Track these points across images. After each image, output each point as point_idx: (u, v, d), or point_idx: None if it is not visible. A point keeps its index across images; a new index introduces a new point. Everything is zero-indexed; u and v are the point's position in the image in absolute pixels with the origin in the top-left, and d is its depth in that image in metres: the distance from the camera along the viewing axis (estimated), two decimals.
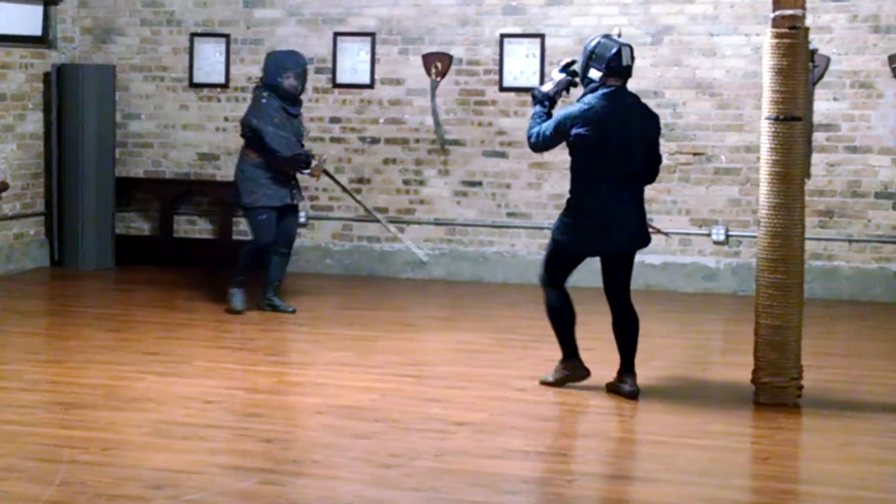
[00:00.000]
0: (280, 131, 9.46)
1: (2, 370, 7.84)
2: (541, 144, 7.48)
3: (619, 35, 7.58)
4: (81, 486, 5.63)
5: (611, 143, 7.25)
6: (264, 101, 9.53)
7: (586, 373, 7.53)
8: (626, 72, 7.37)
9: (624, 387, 7.36)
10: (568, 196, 7.52)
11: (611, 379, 7.53)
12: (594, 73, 7.34)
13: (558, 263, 7.55)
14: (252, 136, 9.52)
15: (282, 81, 9.52)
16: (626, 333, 7.46)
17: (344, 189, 9.85)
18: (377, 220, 10.07)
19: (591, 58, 7.35)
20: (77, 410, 6.92)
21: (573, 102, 7.48)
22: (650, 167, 7.49)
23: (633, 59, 7.40)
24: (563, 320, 7.53)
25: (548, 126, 7.40)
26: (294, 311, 9.71)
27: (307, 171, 9.66)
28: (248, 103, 9.83)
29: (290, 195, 9.67)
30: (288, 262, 9.96)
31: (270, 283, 9.83)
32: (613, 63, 7.29)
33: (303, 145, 9.74)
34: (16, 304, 10.14)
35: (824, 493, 5.80)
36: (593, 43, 7.38)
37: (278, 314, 9.67)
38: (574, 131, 7.26)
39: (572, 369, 7.53)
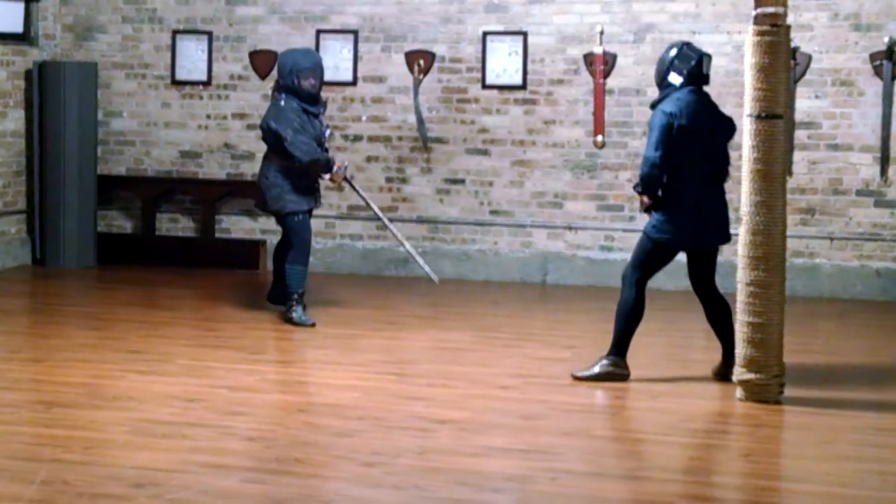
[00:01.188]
0: (300, 135, 9.14)
1: None
2: (659, 158, 7.52)
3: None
4: (63, 485, 5.62)
5: (702, 135, 7.57)
6: (283, 103, 9.21)
7: (628, 373, 7.70)
8: (705, 80, 7.74)
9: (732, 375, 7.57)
10: (661, 195, 7.66)
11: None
12: (675, 78, 7.65)
13: (652, 262, 7.74)
14: (273, 140, 9.23)
15: (300, 82, 9.22)
16: (722, 321, 7.76)
17: (364, 200, 9.75)
18: (398, 240, 9.92)
19: (672, 65, 7.67)
20: (59, 409, 6.91)
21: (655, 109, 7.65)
22: (725, 166, 7.82)
23: (709, 66, 7.77)
24: (633, 320, 7.72)
25: (655, 139, 7.52)
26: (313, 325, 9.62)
27: (327, 176, 9.38)
28: (267, 106, 9.49)
29: (315, 200, 9.49)
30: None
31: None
32: (694, 71, 7.65)
33: (325, 148, 9.48)
34: None
35: (805, 490, 5.82)
36: (673, 52, 7.71)
37: (268, 315, 9.67)
38: (677, 124, 7.51)
39: (618, 367, 7.69)
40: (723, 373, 7.70)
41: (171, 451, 6.16)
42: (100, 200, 11.99)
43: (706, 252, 7.82)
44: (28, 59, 11.82)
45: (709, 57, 7.76)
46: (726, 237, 7.81)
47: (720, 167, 7.75)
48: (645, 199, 7.68)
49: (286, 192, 9.27)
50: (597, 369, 7.69)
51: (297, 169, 9.23)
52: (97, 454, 6.09)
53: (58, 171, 11.64)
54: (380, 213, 9.82)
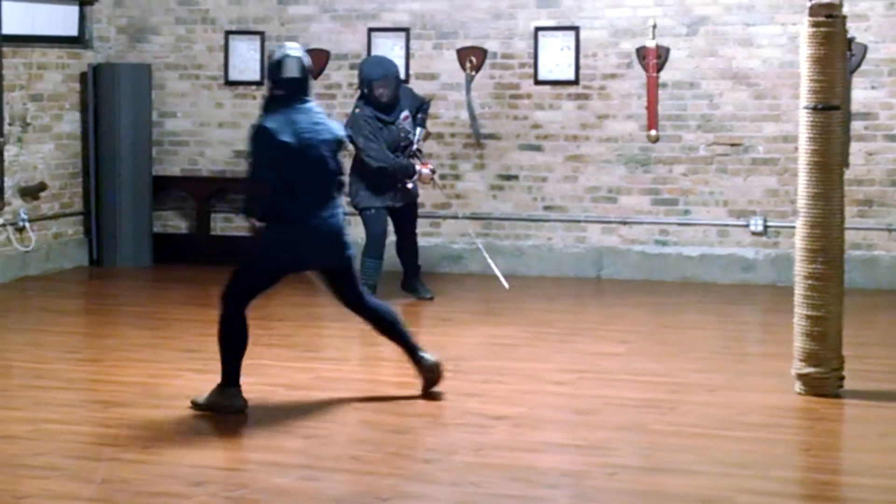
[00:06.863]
0: (371, 143, 9.66)
1: (41, 369, 7.89)
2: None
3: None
4: (122, 484, 5.66)
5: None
6: (357, 111, 9.78)
7: (242, 405, 6.85)
8: (290, 84, 6.83)
9: (428, 359, 7.18)
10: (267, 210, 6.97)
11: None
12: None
13: (257, 283, 7.04)
14: (352, 143, 9.68)
15: (371, 92, 9.72)
16: (395, 330, 7.27)
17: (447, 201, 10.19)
18: (473, 242, 10.05)
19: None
20: (116, 408, 6.96)
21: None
22: None
23: (303, 69, 6.84)
24: (239, 345, 6.93)
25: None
26: (432, 298, 10.06)
27: (410, 181, 9.83)
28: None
29: (393, 198, 9.89)
30: (416, 251, 10.20)
31: (407, 272, 10.19)
32: (275, 76, 6.83)
33: (414, 152, 9.89)
34: (54, 304, 10.20)
35: (865, 483, 5.76)
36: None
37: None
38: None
39: (226, 397, 6.83)
40: (424, 368, 7.21)
41: (228, 450, 6.19)
42: (155, 201, 12.07)
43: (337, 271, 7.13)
44: (83, 61, 11.91)
45: (296, 58, 6.82)
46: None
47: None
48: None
49: (361, 189, 9.84)
50: (206, 398, 6.82)
51: (372, 171, 9.75)
52: (155, 453, 6.12)
53: (113, 173, 11.73)
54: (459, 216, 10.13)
